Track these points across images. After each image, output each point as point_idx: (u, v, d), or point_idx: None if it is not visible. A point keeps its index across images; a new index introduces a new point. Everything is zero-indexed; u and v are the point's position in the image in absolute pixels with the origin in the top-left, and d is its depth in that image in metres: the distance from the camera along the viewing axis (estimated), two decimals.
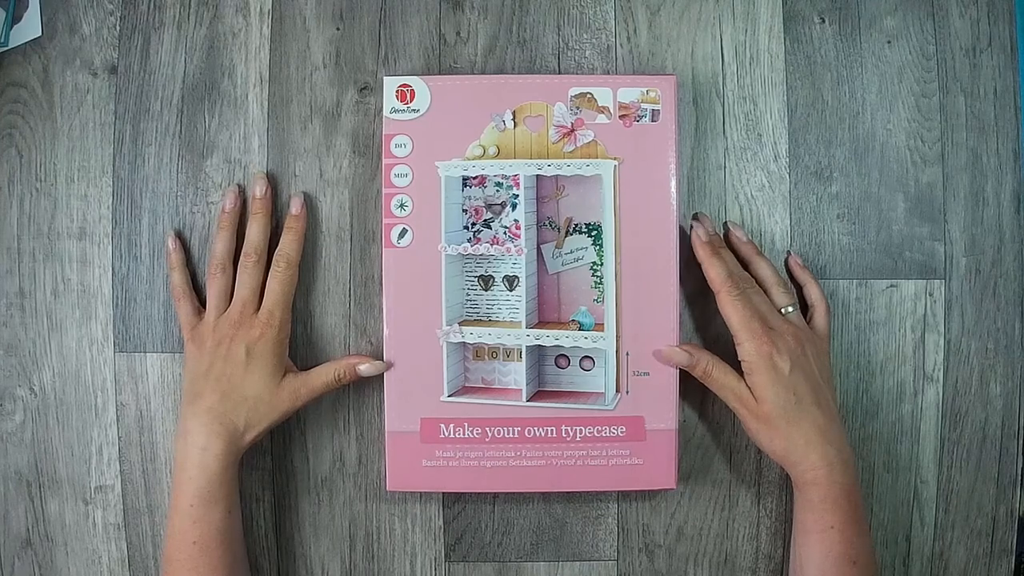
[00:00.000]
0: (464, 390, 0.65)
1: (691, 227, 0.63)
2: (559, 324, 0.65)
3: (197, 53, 0.66)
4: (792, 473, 0.59)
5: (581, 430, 0.63)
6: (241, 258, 0.63)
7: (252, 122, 0.66)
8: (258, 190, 0.64)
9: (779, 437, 0.58)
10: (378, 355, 0.63)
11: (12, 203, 0.66)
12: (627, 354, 0.63)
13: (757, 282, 0.62)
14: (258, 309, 0.62)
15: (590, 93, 0.63)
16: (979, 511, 0.65)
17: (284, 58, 0.66)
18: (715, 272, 0.61)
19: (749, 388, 0.59)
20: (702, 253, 0.61)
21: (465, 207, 0.64)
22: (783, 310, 0.61)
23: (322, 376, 0.62)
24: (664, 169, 0.62)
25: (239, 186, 0.65)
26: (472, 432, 0.63)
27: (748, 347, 0.59)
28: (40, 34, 0.66)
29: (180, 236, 0.65)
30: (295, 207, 0.64)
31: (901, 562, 0.65)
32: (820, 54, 0.66)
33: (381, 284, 0.63)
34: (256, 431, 0.60)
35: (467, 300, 0.65)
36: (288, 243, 0.63)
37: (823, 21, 0.66)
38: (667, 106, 0.62)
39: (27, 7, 0.66)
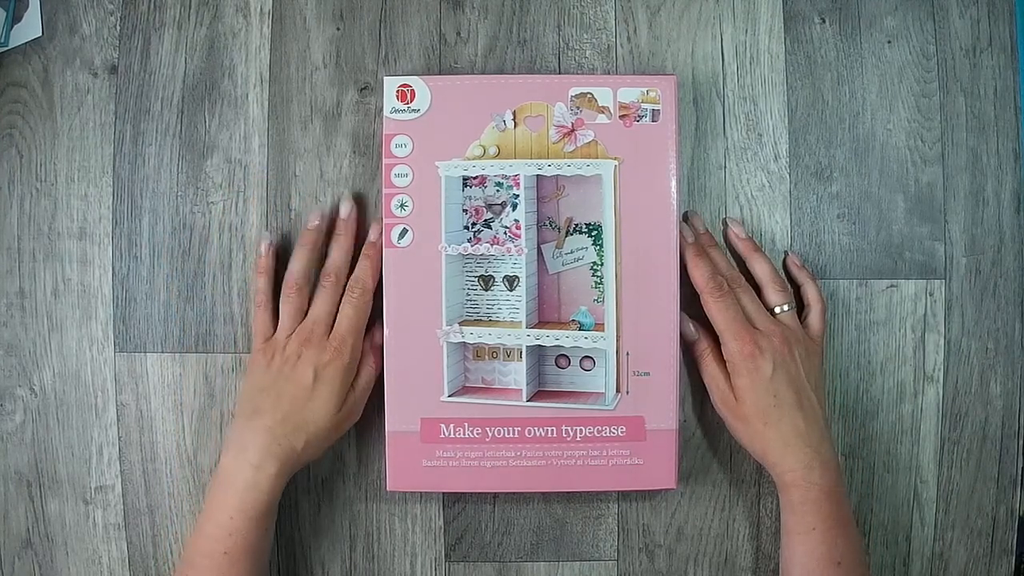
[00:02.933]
0: (464, 390, 0.65)
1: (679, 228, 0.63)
2: (559, 324, 0.65)
3: (197, 53, 0.66)
4: (772, 474, 0.60)
5: (581, 430, 0.63)
6: (320, 277, 0.62)
7: (252, 122, 0.66)
8: (343, 211, 0.64)
9: (757, 438, 0.59)
10: (378, 355, 0.63)
11: (12, 203, 0.66)
12: (627, 354, 0.63)
13: (753, 280, 0.63)
14: (330, 332, 0.61)
15: (590, 93, 0.63)
16: (979, 511, 0.65)
17: (284, 58, 0.66)
18: (698, 274, 0.61)
19: (732, 387, 0.60)
20: (687, 255, 0.62)
21: (465, 207, 0.64)
22: (777, 309, 0.62)
23: (363, 379, 0.62)
24: (664, 169, 0.62)
25: (344, 203, 0.65)
26: (472, 432, 0.63)
27: (730, 348, 0.60)
28: (40, 34, 0.66)
29: (274, 242, 0.64)
30: (374, 234, 0.63)
31: (901, 562, 0.65)
32: (820, 54, 0.66)
33: (381, 284, 0.63)
34: (312, 456, 0.61)
35: (467, 300, 0.65)
36: (364, 269, 0.62)
37: (823, 21, 0.66)
38: (667, 106, 0.62)
39: (27, 7, 0.66)
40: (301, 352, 0.60)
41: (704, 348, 0.62)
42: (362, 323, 0.62)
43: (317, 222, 0.64)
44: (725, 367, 0.61)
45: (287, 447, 0.58)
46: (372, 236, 0.64)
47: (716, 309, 0.60)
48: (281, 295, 0.62)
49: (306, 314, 0.62)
